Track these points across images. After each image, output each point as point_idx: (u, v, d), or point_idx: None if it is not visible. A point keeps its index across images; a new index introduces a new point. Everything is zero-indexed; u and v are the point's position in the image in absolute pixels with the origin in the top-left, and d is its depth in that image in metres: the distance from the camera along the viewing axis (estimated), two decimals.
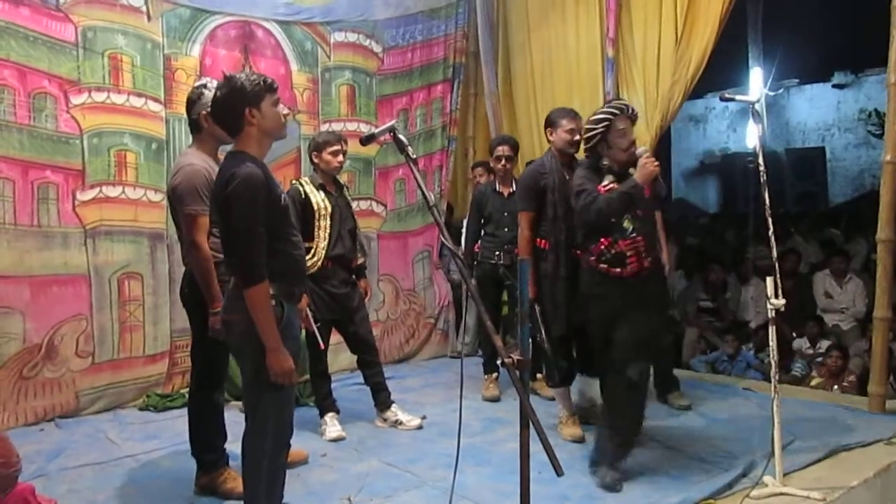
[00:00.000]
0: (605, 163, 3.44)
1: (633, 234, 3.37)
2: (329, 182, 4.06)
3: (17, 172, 4.25)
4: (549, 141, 4.03)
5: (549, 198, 3.83)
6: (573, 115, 3.99)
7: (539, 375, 4.81)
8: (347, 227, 4.10)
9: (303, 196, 3.95)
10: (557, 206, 3.80)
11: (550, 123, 4.00)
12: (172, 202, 3.14)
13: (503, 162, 4.73)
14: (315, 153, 4.03)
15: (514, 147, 4.82)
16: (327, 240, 3.98)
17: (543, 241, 3.87)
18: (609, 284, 3.38)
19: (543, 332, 3.77)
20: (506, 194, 4.77)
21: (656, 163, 3.29)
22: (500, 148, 4.75)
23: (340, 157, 4.03)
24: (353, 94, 5.68)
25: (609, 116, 3.39)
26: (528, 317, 3.72)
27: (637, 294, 3.35)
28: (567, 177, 3.79)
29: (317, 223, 3.95)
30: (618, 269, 3.36)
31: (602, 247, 3.38)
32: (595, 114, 3.48)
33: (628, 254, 3.35)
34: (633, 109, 3.46)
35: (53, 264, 4.37)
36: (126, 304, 4.64)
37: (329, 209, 3.99)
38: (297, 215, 3.78)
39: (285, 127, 2.71)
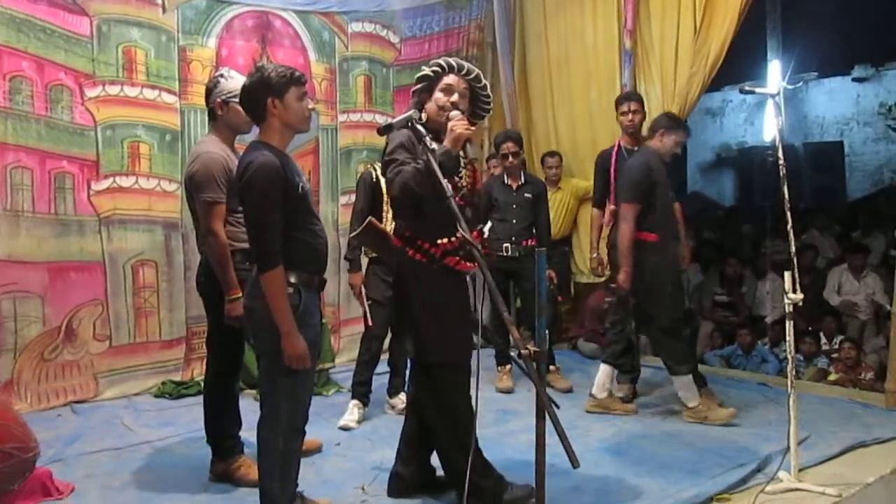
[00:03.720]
0: (423, 119, 2.80)
1: (477, 226, 2.93)
2: None
3: (35, 161, 4.31)
4: (650, 139, 4.20)
5: (660, 192, 4.01)
6: (687, 129, 4.27)
7: (552, 367, 4.81)
8: None
9: (374, 179, 4.08)
10: (667, 201, 4.08)
11: (666, 127, 4.12)
12: (189, 190, 3.16)
13: (510, 159, 4.72)
14: None
15: (518, 142, 4.81)
16: (392, 223, 4.03)
17: (650, 234, 4.03)
18: (452, 279, 2.88)
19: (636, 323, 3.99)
20: (514, 187, 4.79)
21: (466, 125, 2.75)
22: (504, 145, 4.74)
23: None
24: (369, 84, 5.68)
25: (441, 67, 2.89)
26: (620, 308, 3.96)
27: (466, 292, 2.95)
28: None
29: (384, 207, 4.04)
30: (470, 265, 2.86)
31: (458, 242, 2.80)
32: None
33: (479, 248, 2.90)
34: (468, 71, 2.89)
35: (70, 251, 4.45)
36: (141, 290, 4.72)
37: None
38: (368, 197, 4.06)
39: (309, 121, 2.72)
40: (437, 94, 2.86)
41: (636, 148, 4.51)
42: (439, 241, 2.83)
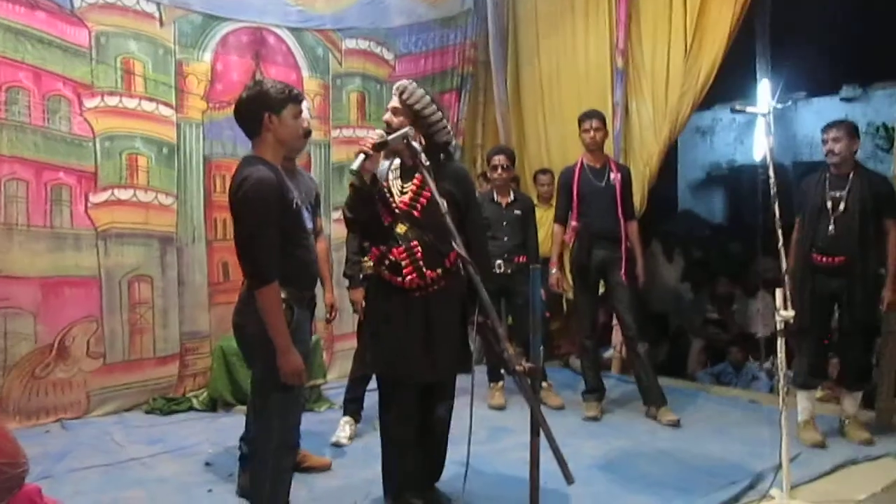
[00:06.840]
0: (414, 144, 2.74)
1: (410, 242, 2.94)
2: None
3: (31, 173, 4.27)
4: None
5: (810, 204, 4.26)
6: (830, 125, 4.33)
7: (545, 384, 4.80)
8: None
9: None
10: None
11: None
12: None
13: (499, 171, 4.72)
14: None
15: (511, 157, 4.84)
16: None
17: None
18: (391, 292, 3.01)
19: None
20: (504, 204, 4.79)
21: (363, 141, 2.78)
22: (496, 158, 4.76)
23: None
24: (363, 101, 5.70)
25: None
26: None
27: (420, 310, 2.99)
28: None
29: None
30: (398, 279, 2.96)
31: (377, 254, 3.03)
32: None
33: (403, 264, 2.94)
34: (396, 88, 3.01)
35: (65, 266, 4.39)
36: (136, 306, 4.67)
37: None
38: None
39: (301, 139, 2.73)
40: None
41: (598, 166, 4.56)
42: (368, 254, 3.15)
